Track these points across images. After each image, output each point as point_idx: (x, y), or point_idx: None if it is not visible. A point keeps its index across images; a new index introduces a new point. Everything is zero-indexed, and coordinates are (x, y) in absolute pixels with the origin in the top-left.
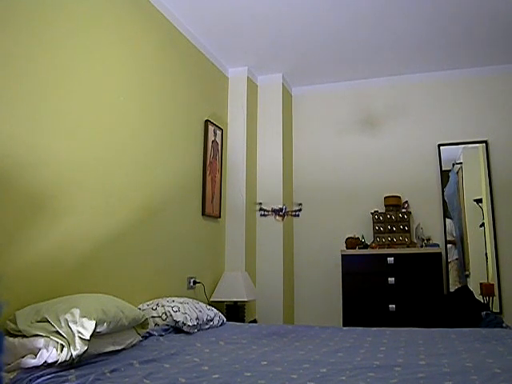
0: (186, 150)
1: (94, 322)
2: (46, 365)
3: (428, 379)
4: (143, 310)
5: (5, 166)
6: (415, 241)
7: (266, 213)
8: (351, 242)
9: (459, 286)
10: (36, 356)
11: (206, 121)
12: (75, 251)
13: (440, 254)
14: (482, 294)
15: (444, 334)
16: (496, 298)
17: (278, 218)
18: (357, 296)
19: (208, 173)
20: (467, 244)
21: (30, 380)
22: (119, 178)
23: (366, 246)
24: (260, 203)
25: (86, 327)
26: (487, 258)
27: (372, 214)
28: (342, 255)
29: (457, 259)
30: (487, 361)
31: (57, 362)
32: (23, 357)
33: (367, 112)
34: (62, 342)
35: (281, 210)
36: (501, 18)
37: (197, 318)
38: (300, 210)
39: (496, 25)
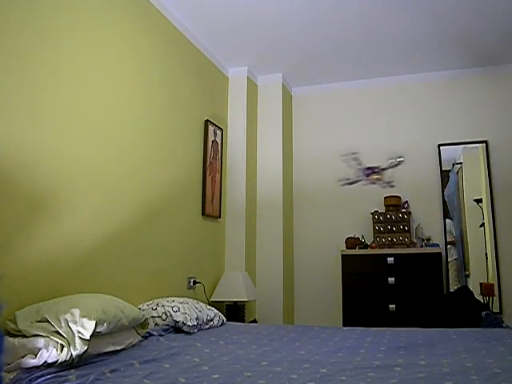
0: (185, 150)
1: (94, 322)
2: (46, 365)
3: (428, 379)
4: (143, 310)
5: (5, 166)
6: (415, 241)
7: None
8: (351, 242)
9: (459, 286)
10: (36, 356)
11: (206, 121)
12: (75, 251)
13: (440, 254)
14: (482, 294)
15: (444, 334)
16: (496, 298)
17: (374, 176)
18: (357, 296)
19: (208, 173)
20: (467, 244)
21: (30, 380)
22: (119, 177)
23: (366, 246)
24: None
25: (86, 327)
26: (487, 258)
27: (372, 213)
28: (342, 255)
29: (456, 259)
30: (487, 361)
31: (57, 362)
32: (23, 357)
33: (367, 111)
34: (62, 342)
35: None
36: (501, 18)
37: (197, 318)
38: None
39: (496, 25)
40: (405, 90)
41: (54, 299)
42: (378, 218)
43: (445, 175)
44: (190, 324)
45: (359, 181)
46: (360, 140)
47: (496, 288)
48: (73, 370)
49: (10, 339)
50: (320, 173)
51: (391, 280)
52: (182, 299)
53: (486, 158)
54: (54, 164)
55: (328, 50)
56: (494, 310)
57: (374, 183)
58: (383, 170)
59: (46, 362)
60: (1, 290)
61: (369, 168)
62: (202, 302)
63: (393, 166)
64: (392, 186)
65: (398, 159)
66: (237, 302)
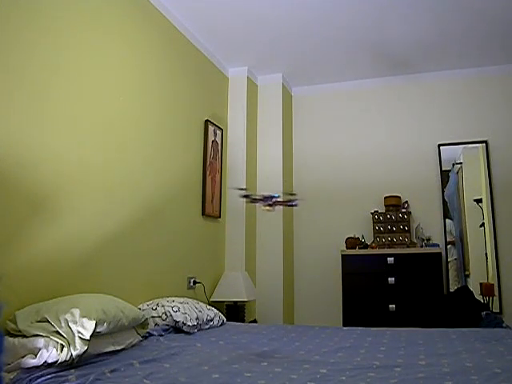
0: (186, 150)
1: (94, 322)
2: (46, 365)
3: (428, 379)
4: (143, 310)
5: (5, 166)
6: (415, 241)
7: (253, 199)
8: (351, 242)
9: (459, 286)
10: (36, 356)
11: (206, 121)
12: (75, 251)
13: (440, 254)
14: (482, 294)
15: (444, 334)
16: (496, 298)
17: (267, 207)
18: (357, 296)
19: (208, 173)
20: (467, 244)
21: (30, 380)
22: (119, 177)
23: (366, 246)
24: (243, 189)
25: (86, 327)
26: (487, 258)
27: (372, 213)
28: (342, 255)
29: (456, 259)
30: (487, 361)
31: (57, 362)
32: (23, 357)
33: (367, 111)
34: (62, 342)
35: (270, 198)
36: (501, 17)
37: (197, 318)
38: (294, 200)
39: (496, 25)
40: (405, 89)
41: (54, 299)
42: (378, 217)
43: (445, 175)
44: (190, 324)
45: (259, 201)
46: (360, 140)
47: (496, 288)
48: (73, 370)
49: (10, 339)
50: (320, 173)
51: (391, 280)
52: (182, 299)
53: (486, 158)
54: (54, 164)
55: (328, 50)
56: (494, 310)
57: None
58: (276, 203)
59: (46, 362)
60: (1, 290)
61: (266, 198)
62: (202, 301)
63: (288, 201)
64: (296, 205)
65: (292, 197)
66: (237, 301)
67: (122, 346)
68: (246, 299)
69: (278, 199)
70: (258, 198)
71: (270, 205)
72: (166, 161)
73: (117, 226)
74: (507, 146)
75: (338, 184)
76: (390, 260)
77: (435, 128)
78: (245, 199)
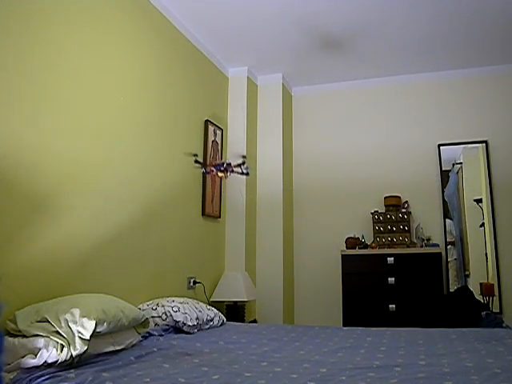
0: (186, 150)
1: (94, 322)
2: (46, 365)
3: (428, 379)
4: (143, 310)
5: (5, 166)
6: (415, 241)
7: (206, 169)
8: (351, 242)
9: (459, 286)
10: (36, 356)
11: (206, 121)
12: (75, 251)
13: (440, 254)
14: (482, 294)
15: (444, 334)
16: (496, 298)
17: (219, 174)
18: (357, 296)
19: None
20: (467, 244)
21: (30, 380)
22: (119, 177)
23: (366, 246)
24: (195, 155)
25: (86, 327)
26: (487, 258)
27: (372, 214)
28: (342, 255)
29: (456, 259)
30: (487, 361)
31: (57, 361)
32: (23, 357)
33: (367, 111)
34: (62, 342)
35: (222, 164)
36: (501, 17)
37: (197, 318)
38: (244, 163)
39: (496, 25)
40: (405, 89)
41: (54, 299)
42: (378, 217)
43: (445, 175)
44: (190, 324)
45: (210, 167)
46: (360, 140)
47: (496, 288)
48: (73, 370)
49: (10, 339)
50: (320, 173)
51: (391, 280)
52: (182, 299)
53: (486, 158)
54: (54, 164)
55: (328, 50)
56: (494, 310)
57: (225, 176)
58: (228, 168)
59: (45, 361)
60: (1, 290)
61: (217, 165)
62: (202, 301)
63: (239, 166)
64: (247, 174)
65: (243, 159)
66: (237, 302)
67: (122, 346)
68: (246, 299)
69: (229, 165)
70: (209, 164)
71: (222, 171)
72: (167, 160)
73: (117, 226)
74: (507, 146)
75: (338, 184)
76: (390, 260)
77: (435, 128)
78: (198, 165)
